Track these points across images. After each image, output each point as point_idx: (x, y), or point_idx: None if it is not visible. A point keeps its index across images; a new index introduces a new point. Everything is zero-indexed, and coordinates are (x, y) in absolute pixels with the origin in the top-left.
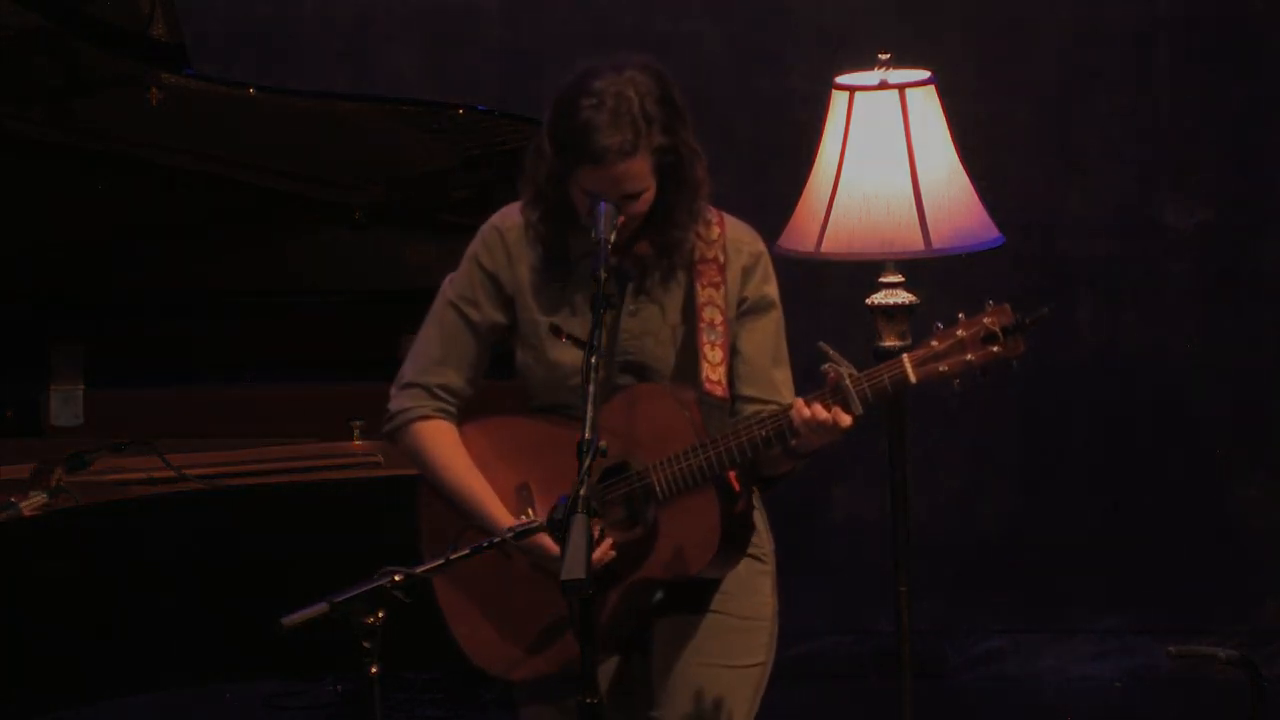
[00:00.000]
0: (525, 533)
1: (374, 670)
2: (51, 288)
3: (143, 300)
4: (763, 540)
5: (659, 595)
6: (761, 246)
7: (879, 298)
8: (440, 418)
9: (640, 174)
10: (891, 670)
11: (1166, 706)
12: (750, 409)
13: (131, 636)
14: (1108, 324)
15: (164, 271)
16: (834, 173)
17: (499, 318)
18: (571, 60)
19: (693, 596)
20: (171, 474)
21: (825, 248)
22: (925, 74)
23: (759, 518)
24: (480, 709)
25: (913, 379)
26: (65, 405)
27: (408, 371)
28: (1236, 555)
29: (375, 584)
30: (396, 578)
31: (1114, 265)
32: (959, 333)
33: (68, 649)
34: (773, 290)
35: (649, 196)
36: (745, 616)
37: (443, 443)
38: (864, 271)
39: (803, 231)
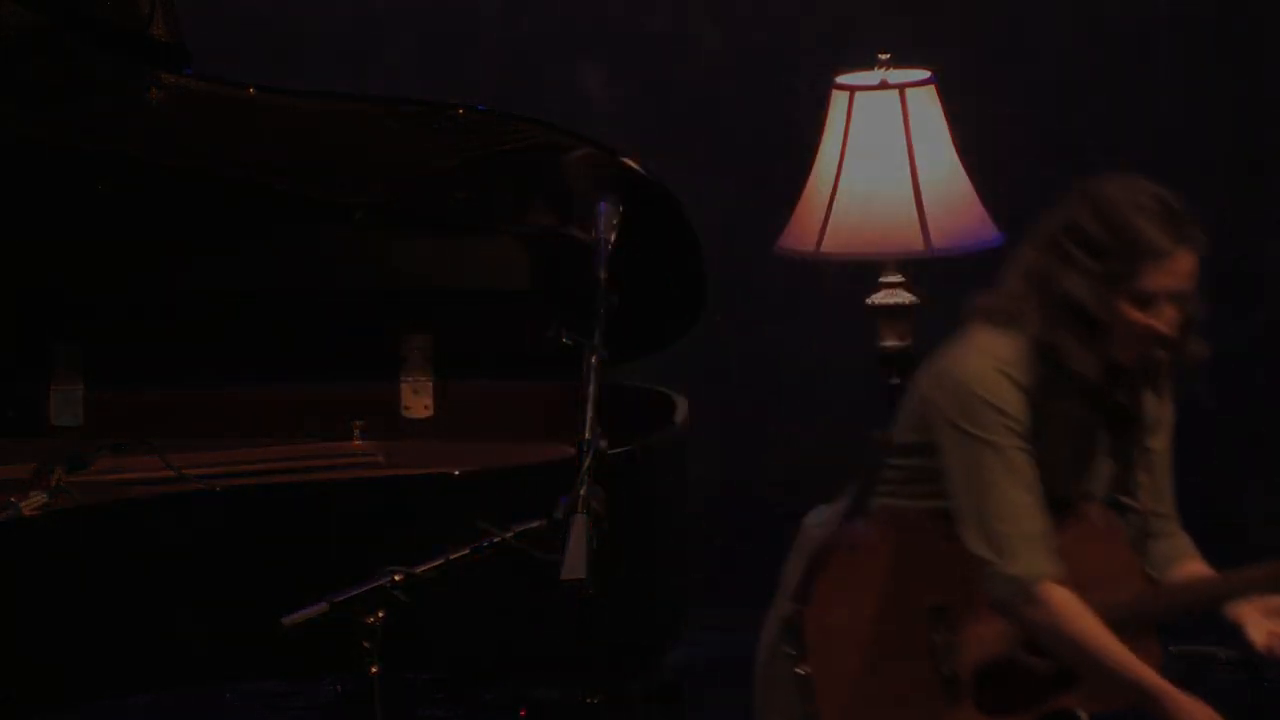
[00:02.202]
0: (526, 532)
1: (374, 670)
2: (51, 288)
3: (143, 300)
4: None
5: None
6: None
7: (879, 298)
8: (1064, 581)
9: (1193, 271)
10: None
11: None
12: (1154, 523)
13: (132, 636)
14: None
15: (164, 271)
16: (834, 173)
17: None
18: (572, 60)
19: None
20: (171, 474)
21: (825, 248)
22: (925, 74)
23: None
24: (480, 709)
25: None
26: (65, 405)
27: (1007, 530)
28: (1237, 555)
29: (375, 584)
30: (396, 578)
31: None
32: None
33: (67, 649)
34: (1172, 402)
35: (1192, 306)
36: None
37: (1079, 609)
38: (864, 271)
39: (803, 231)
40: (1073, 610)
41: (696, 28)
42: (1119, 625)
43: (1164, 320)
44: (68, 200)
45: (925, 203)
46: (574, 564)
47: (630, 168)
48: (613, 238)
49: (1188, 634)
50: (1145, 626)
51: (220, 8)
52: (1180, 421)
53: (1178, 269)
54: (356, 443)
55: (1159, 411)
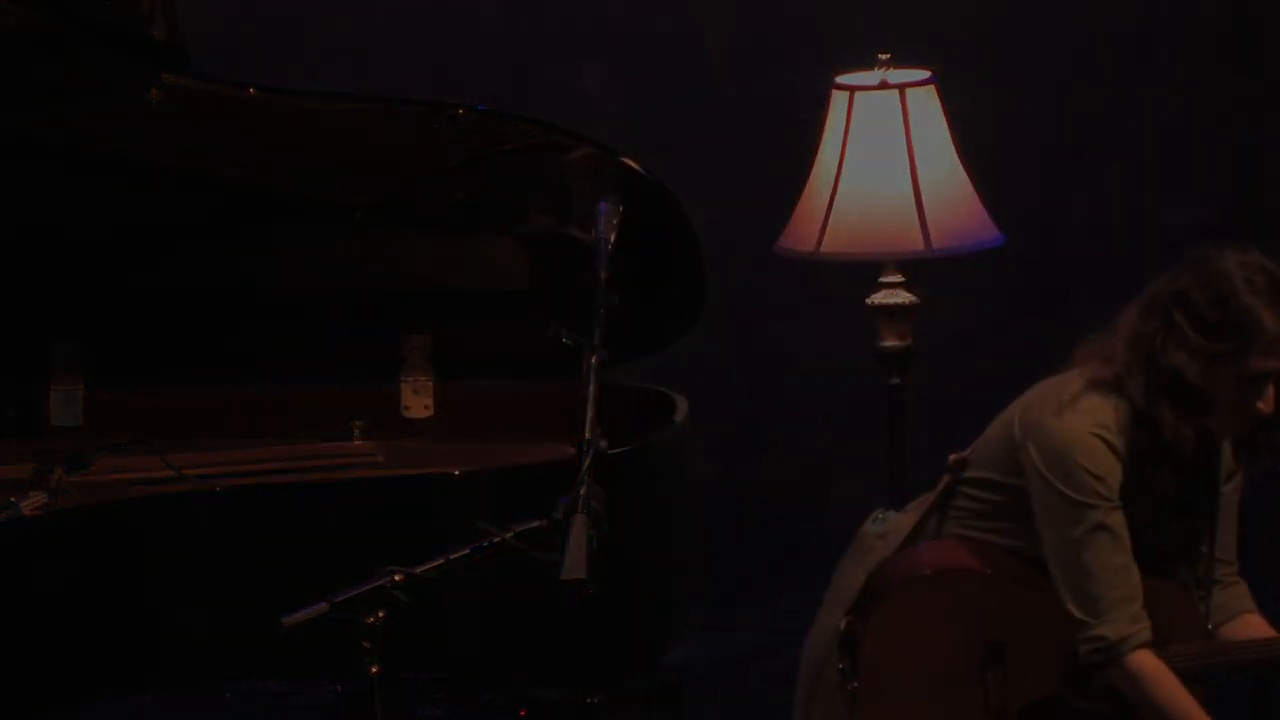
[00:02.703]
0: (525, 532)
1: (374, 670)
2: (51, 288)
3: (143, 300)
4: None
5: None
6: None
7: (879, 298)
8: (1150, 645)
9: None
10: None
11: None
12: (1216, 569)
13: (131, 636)
14: (1106, 325)
15: (164, 271)
16: (834, 173)
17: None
18: (571, 60)
19: None
20: (171, 474)
21: (825, 248)
22: (925, 74)
23: None
24: (480, 709)
25: None
26: (65, 405)
27: (1100, 591)
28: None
29: (375, 584)
30: (396, 578)
31: (1114, 265)
32: None
33: (68, 649)
34: (1237, 466)
35: None
36: None
37: (1165, 674)
38: (864, 271)
39: (803, 231)
40: (1159, 677)
41: (696, 28)
42: (1183, 678)
43: (1268, 401)
44: (68, 200)
45: (925, 203)
46: (574, 564)
47: (630, 168)
48: (613, 238)
49: None
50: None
51: (220, 8)
52: None
53: None
54: (356, 443)
55: (1229, 463)
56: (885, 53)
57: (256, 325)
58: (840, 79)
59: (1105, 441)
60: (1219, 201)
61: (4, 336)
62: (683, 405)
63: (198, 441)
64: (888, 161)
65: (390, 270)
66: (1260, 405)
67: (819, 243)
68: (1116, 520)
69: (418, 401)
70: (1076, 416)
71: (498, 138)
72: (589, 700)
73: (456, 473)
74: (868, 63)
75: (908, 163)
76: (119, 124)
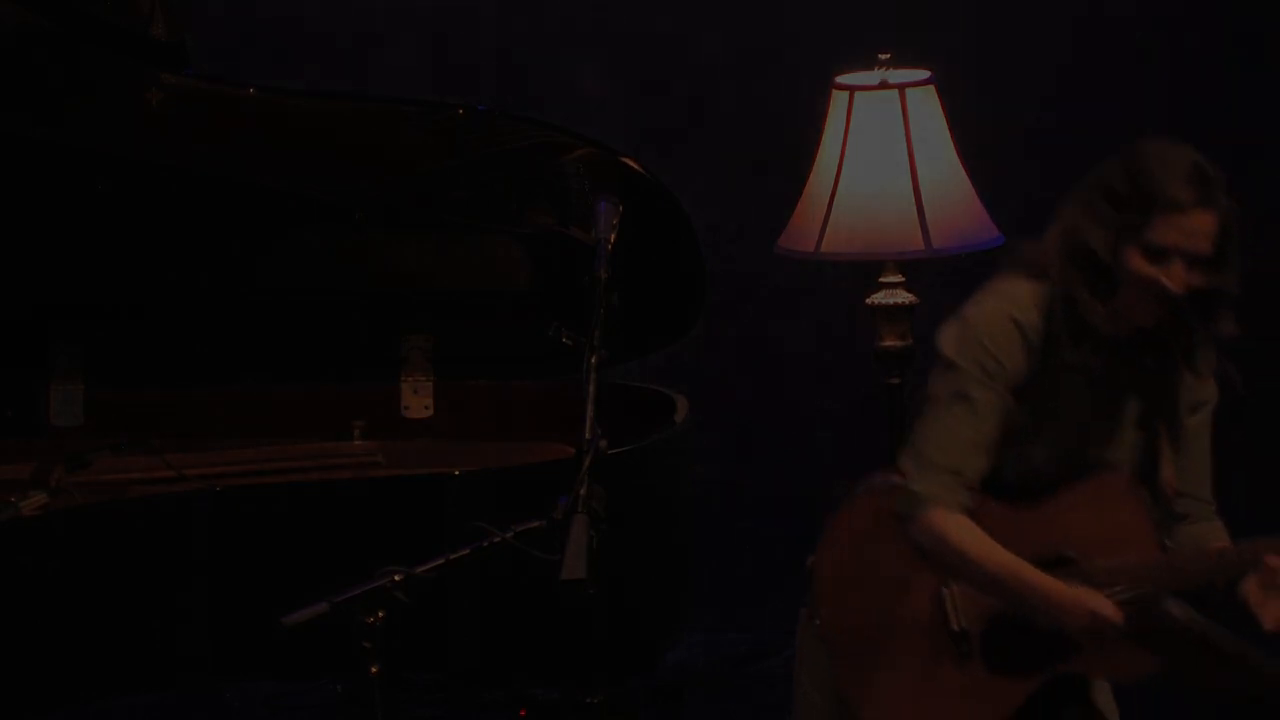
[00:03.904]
0: (525, 532)
1: (374, 670)
2: (51, 288)
3: (143, 300)
4: None
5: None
6: (1215, 356)
7: (879, 298)
8: (962, 513)
9: (1210, 234)
10: None
11: (1166, 706)
12: (1181, 503)
13: (132, 636)
14: None
15: (164, 271)
16: (834, 173)
17: (1011, 402)
18: (572, 60)
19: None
20: (171, 474)
21: (825, 248)
22: (925, 74)
23: None
24: (480, 709)
25: None
26: (65, 405)
27: (933, 455)
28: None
29: (375, 584)
30: (396, 578)
31: None
32: None
33: (68, 649)
34: (1214, 392)
35: (1208, 272)
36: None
37: (969, 528)
38: (864, 271)
39: (803, 231)
40: (957, 531)
41: (696, 28)
42: (1124, 583)
43: (1173, 277)
44: (68, 200)
45: (925, 203)
46: (574, 564)
47: (630, 167)
48: (613, 238)
49: None
50: (1148, 606)
51: (221, 8)
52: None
53: (1191, 226)
54: (356, 443)
55: (1199, 393)
56: (885, 53)
57: (257, 325)
58: (840, 79)
59: (1014, 321)
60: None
61: (4, 336)
62: (683, 405)
63: (198, 441)
64: (888, 161)
65: (390, 270)
66: (1166, 282)
67: (819, 243)
68: (985, 400)
69: (418, 401)
70: (992, 298)
71: (498, 138)
72: (589, 700)
73: (456, 473)
74: (868, 63)
75: (907, 163)
76: (119, 124)
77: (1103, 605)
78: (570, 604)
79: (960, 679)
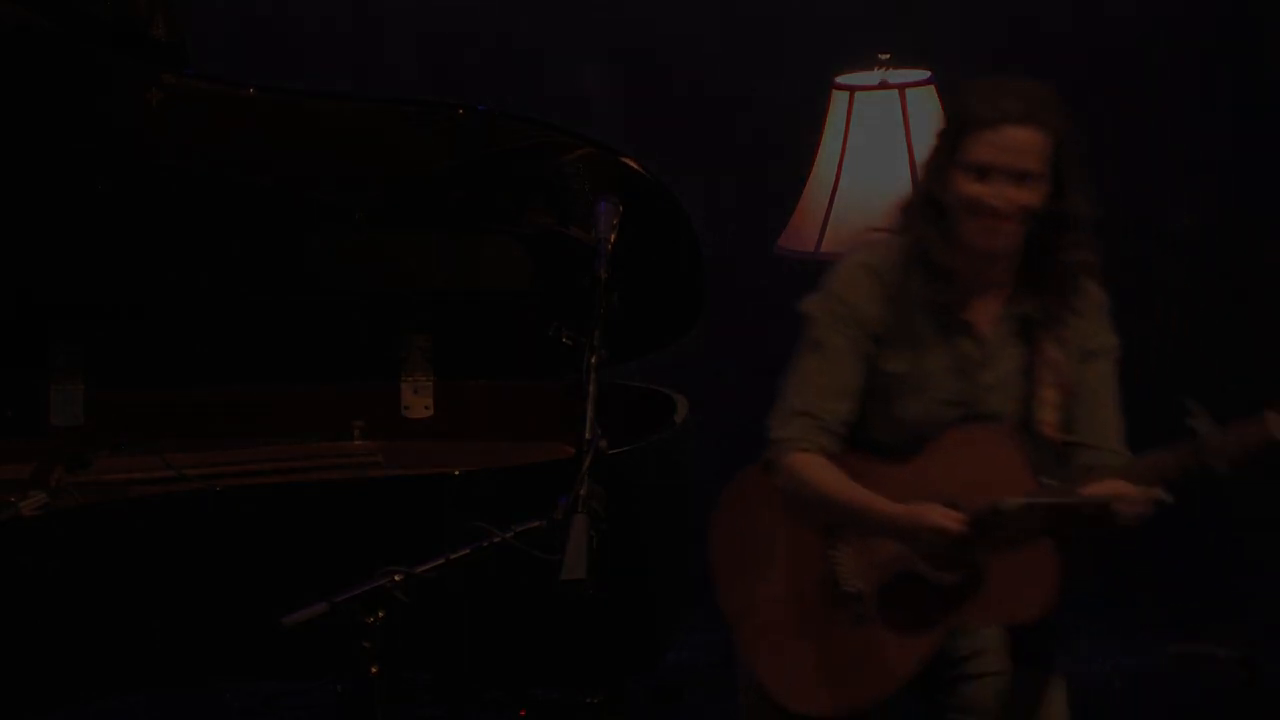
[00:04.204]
0: (525, 532)
1: (374, 670)
2: (51, 288)
3: (143, 300)
4: None
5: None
6: (1107, 300)
7: None
8: (820, 454)
9: (1033, 150)
10: None
11: (1166, 706)
12: (1085, 455)
13: (131, 636)
14: None
15: (164, 271)
16: (834, 173)
17: (872, 350)
18: (572, 60)
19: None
20: (171, 474)
21: (825, 248)
22: (925, 74)
23: None
24: (480, 709)
25: None
26: (65, 405)
27: (793, 402)
28: (1236, 554)
29: (375, 584)
30: (396, 578)
31: (1113, 265)
32: None
33: (68, 649)
34: (1115, 340)
35: (1039, 192)
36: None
37: (826, 467)
38: None
39: (803, 231)
40: (812, 469)
41: (696, 28)
42: (1000, 521)
43: (996, 194)
44: (68, 200)
45: None
46: (574, 564)
47: (630, 168)
48: (613, 238)
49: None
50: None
51: (220, 8)
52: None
53: (1004, 141)
54: (356, 443)
55: (1091, 340)
56: (885, 53)
57: (256, 325)
58: (840, 79)
59: (865, 266)
60: (1219, 201)
61: (4, 336)
62: (683, 405)
63: (198, 441)
64: (888, 161)
65: (390, 270)
66: (989, 198)
67: (819, 243)
68: (836, 344)
69: (418, 401)
70: (849, 256)
71: (498, 138)
72: (589, 700)
73: (456, 473)
74: (868, 63)
75: (908, 163)
76: (119, 124)
77: (944, 514)
78: (570, 604)
79: (860, 642)
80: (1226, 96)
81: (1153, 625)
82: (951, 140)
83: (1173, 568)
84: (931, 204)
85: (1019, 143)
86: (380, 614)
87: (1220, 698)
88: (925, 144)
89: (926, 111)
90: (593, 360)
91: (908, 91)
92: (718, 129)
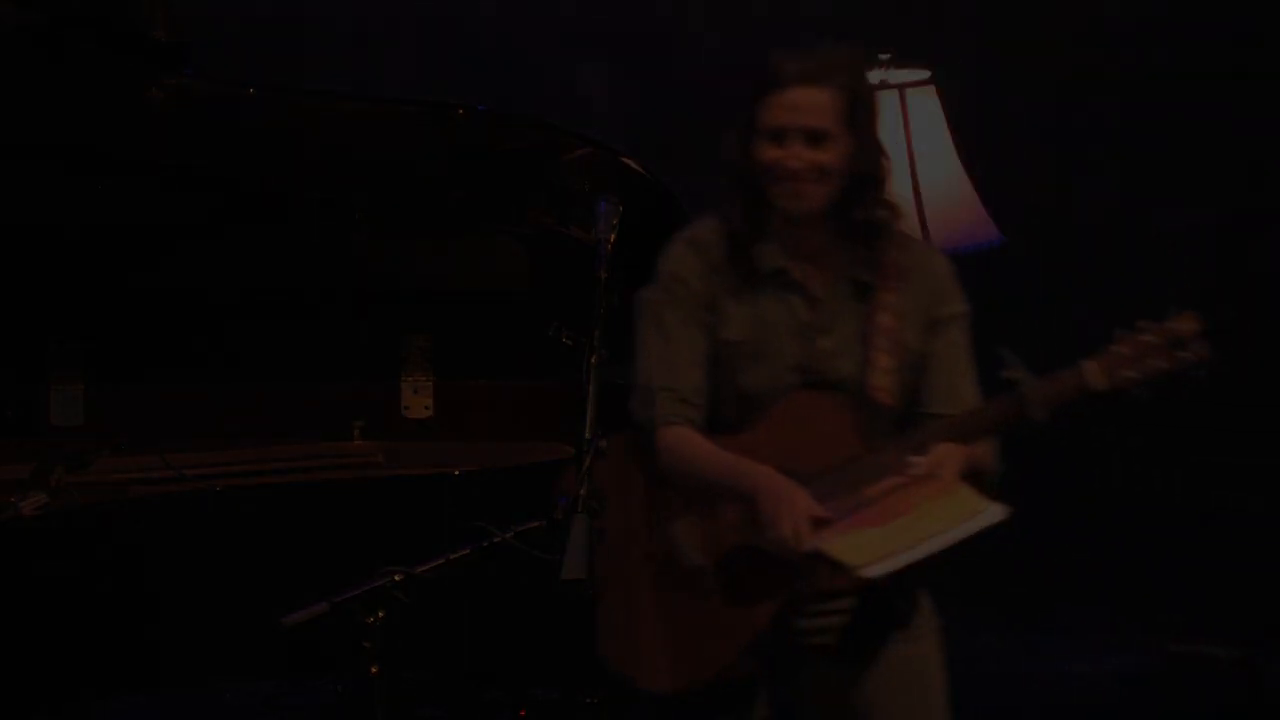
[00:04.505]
0: (525, 532)
1: (374, 670)
2: (51, 287)
3: (143, 300)
4: None
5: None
6: (951, 268)
7: None
8: (685, 425)
9: (823, 109)
10: None
11: (1165, 706)
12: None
13: (131, 636)
14: (1107, 324)
15: (164, 271)
16: None
17: (708, 319)
18: (572, 61)
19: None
20: (171, 474)
21: None
22: (925, 74)
23: None
24: (480, 709)
25: (1097, 385)
26: (65, 405)
27: (646, 381)
28: (1237, 554)
29: (375, 584)
30: (396, 578)
31: (1114, 265)
32: (1144, 337)
33: (68, 649)
34: (962, 308)
35: (837, 151)
36: (919, 640)
37: (696, 439)
38: None
39: None
40: (686, 443)
41: (696, 28)
42: (832, 480)
43: (791, 155)
44: (68, 200)
45: (925, 203)
46: (574, 564)
47: (630, 167)
48: (613, 238)
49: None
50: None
51: (220, 8)
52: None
53: (792, 101)
54: (356, 443)
55: (943, 309)
56: (885, 53)
57: (256, 325)
58: None
59: (686, 241)
60: (1219, 201)
61: (4, 336)
62: None
63: (198, 441)
64: None
65: (390, 270)
66: (783, 159)
67: None
68: (672, 318)
69: (418, 401)
70: (679, 233)
71: (498, 138)
72: (589, 700)
73: (456, 473)
74: (868, 63)
75: (908, 163)
76: (119, 124)
77: (796, 517)
78: (570, 604)
79: (703, 616)
80: (1227, 96)
81: (1153, 625)
82: (749, 110)
83: (1173, 568)
84: (741, 175)
85: (806, 102)
86: (380, 614)
87: (1220, 698)
88: (925, 144)
89: (926, 111)
90: (593, 360)
91: (908, 91)
92: (718, 129)
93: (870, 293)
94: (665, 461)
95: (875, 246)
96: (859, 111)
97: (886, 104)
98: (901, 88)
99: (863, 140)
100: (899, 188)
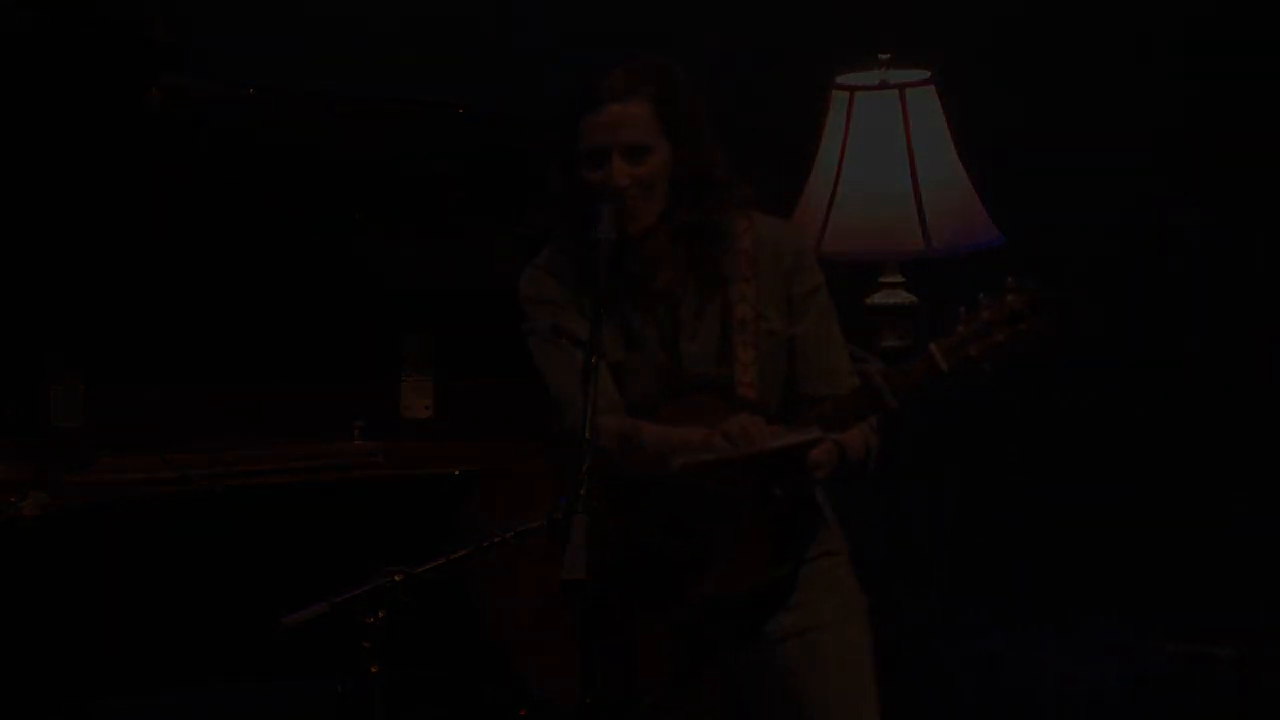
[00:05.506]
0: (524, 533)
1: (374, 670)
2: (51, 288)
3: (142, 300)
4: (833, 533)
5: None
6: (802, 243)
7: (879, 298)
8: (618, 412)
9: (639, 122)
10: (887, 669)
11: (1166, 707)
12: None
13: (131, 636)
14: (1107, 324)
15: (164, 271)
16: (834, 173)
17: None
18: (572, 61)
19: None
20: (171, 474)
21: (825, 248)
22: (925, 74)
23: (826, 511)
24: (480, 709)
25: (944, 367)
26: (65, 405)
27: (556, 396)
28: (1237, 555)
29: (375, 584)
30: (396, 578)
31: (1114, 265)
32: (983, 315)
33: (68, 649)
34: (817, 280)
35: (658, 160)
36: (837, 621)
37: (640, 423)
38: (864, 271)
39: (803, 231)
40: (622, 426)
41: (695, 28)
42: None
43: (614, 174)
44: (68, 201)
45: (925, 203)
46: (574, 564)
47: None
48: (613, 238)
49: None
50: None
51: (222, 7)
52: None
53: (607, 120)
54: (356, 443)
55: (799, 287)
56: (885, 53)
57: (257, 324)
58: (840, 79)
59: (534, 267)
60: (1219, 201)
61: (4, 336)
62: None
63: (198, 441)
64: (888, 161)
65: (390, 270)
66: (608, 178)
67: (819, 243)
68: (567, 328)
69: (418, 401)
70: (525, 269)
71: (498, 138)
72: (589, 700)
73: (456, 473)
74: (868, 63)
75: (908, 163)
76: (119, 124)
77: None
78: (571, 604)
79: (611, 624)
80: (1227, 96)
81: (1153, 625)
82: (568, 140)
83: (1172, 568)
84: (572, 203)
85: (621, 118)
86: (380, 614)
87: (1220, 698)
88: (925, 144)
89: (926, 111)
90: (593, 360)
91: (908, 91)
92: (717, 129)
93: (725, 288)
94: (611, 447)
95: (721, 242)
96: (674, 117)
97: (886, 104)
98: (901, 88)
99: (685, 145)
100: (899, 187)
